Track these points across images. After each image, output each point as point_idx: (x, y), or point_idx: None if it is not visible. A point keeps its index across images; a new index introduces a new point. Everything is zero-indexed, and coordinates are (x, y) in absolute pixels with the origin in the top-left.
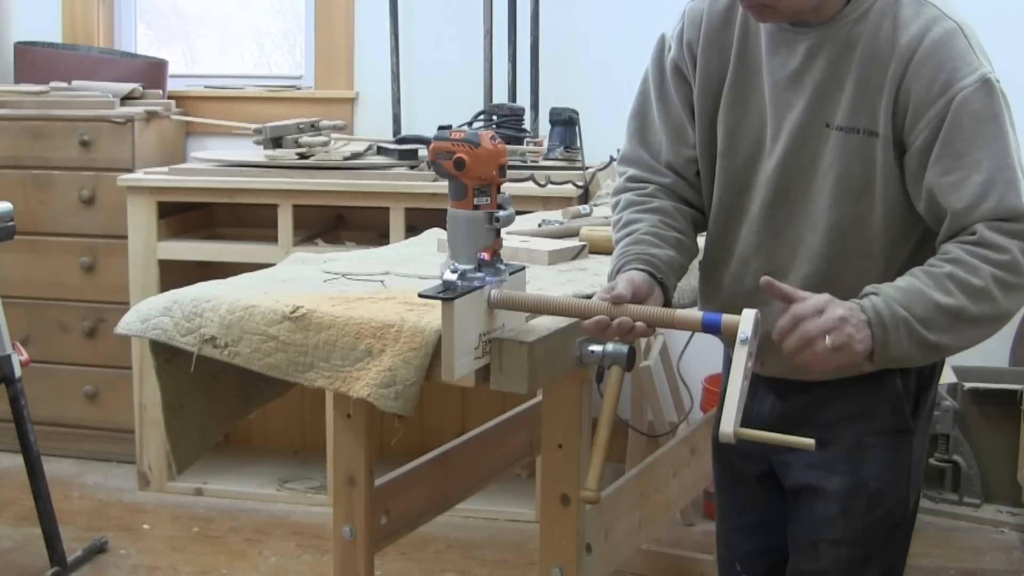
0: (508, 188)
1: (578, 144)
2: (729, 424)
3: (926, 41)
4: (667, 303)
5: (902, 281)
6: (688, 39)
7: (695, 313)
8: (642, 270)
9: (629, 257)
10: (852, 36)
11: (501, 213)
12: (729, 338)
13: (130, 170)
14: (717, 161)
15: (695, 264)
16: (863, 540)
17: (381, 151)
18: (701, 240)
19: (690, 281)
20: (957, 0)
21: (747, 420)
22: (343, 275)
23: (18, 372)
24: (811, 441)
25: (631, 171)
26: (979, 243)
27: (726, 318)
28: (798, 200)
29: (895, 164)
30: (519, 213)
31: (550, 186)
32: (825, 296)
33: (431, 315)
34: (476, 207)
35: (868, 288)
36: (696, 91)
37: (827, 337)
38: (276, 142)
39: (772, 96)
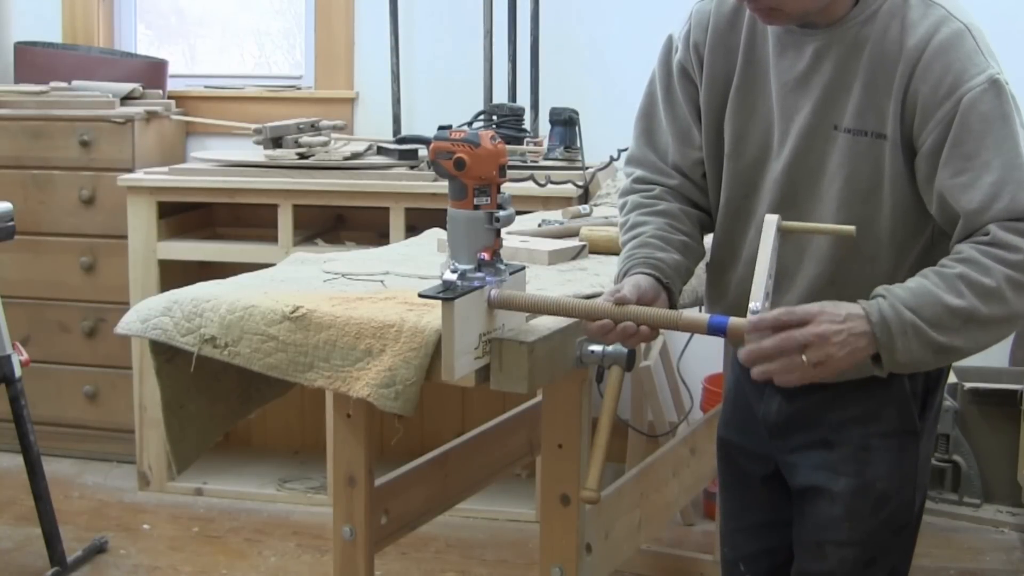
0: (508, 188)
1: (578, 144)
2: (774, 217)
3: (933, 42)
4: (672, 307)
5: (912, 282)
6: (695, 40)
7: (701, 316)
8: (648, 274)
9: (635, 261)
10: (860, 38)
11: (501, 213)
12: (735, 341)
13: (130, 170)
14: (724, 163)
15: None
16: (869, 541)
17: (381, 151)
18: (708, 241)
19: (689, 282)
20: (965, 1)
21: (754, 421)
22: (343, 275)
23: (18, 372)
24: (851, 228)
25: (638, 172)
26: (992, 243)
27: (732, 321)
28: (805, 202)
29: (903, 166)
30: (519, 213)
31: (550, 186)
32: (817, 307)
33: (431, 315)
34: (476, 207)
35: (878, 289)
36: (703, 93)
37: (803, 354)
38: (276, 142)
39: (779, 98)
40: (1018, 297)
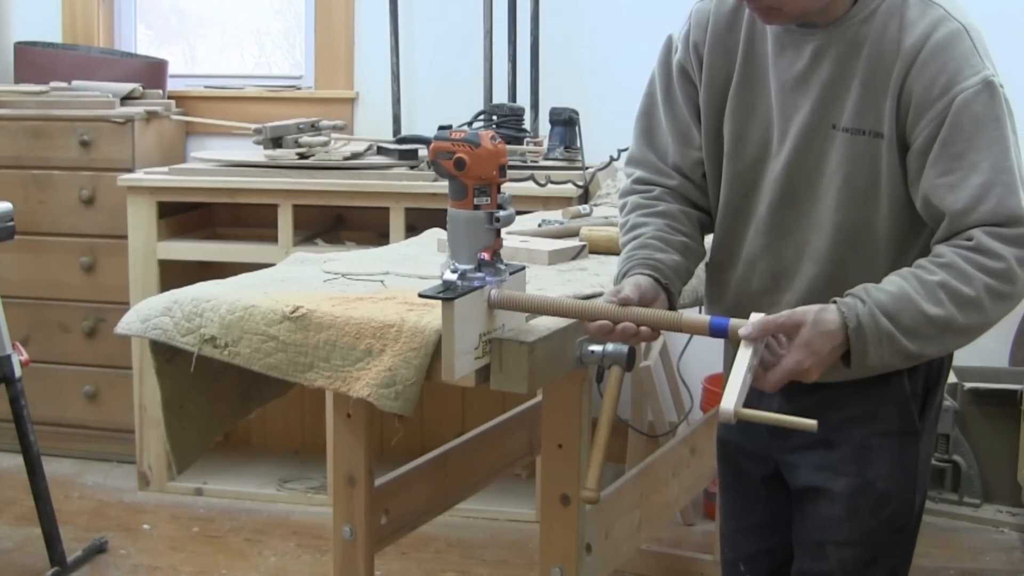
0: (508, 188)
1: (578, 144)
2: (730, 403)
3: (930, 42)
4: (671, 308)
5: (891, 284)
6: (694, 40)
7: (702, 317)
8: (647, 275)
9: (635, 262)
10: (859, 37)
11: (501, 213)
12: (736, 342)
13: (130, 170)
14: (724, 163)
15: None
16: (869, 541)
17: (381, 151)
18: (708, 241)
19: (689, 282)
20: (965, 1)
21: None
22: (343, 275)
23: (18, 372)
24: (813, 422)
25: (638, 172)
26: (975, 249)
27: (734, 322)
28: (805, 202)
29: (900, 165)
30: (519, 213)
31: (550, 186)
32: (808, 333)
33: (431, 315)
34: (476, 207)
35: (856, 290)
36: (702, 93)
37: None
38: (276, 142)
39: (779, 97)
40: (995, 306)
